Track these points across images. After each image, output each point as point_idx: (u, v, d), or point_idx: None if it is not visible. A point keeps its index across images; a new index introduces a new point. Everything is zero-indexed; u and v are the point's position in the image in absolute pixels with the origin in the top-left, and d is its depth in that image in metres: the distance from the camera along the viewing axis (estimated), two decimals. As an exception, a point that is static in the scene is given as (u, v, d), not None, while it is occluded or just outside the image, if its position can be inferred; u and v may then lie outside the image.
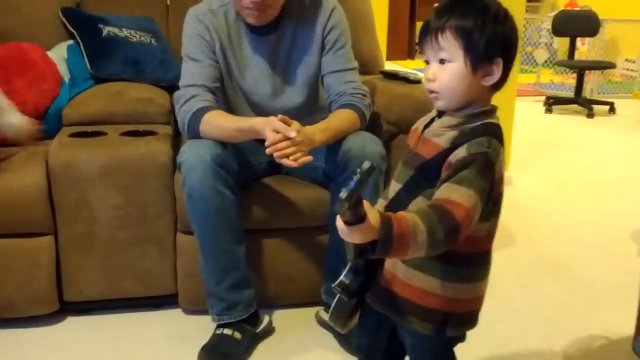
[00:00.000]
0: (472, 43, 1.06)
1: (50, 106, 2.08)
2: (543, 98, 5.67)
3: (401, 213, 1.01)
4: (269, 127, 1.58)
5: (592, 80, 6.16)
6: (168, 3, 2.57)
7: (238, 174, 1.74)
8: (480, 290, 1.17)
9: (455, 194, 1.01)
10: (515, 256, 2.42)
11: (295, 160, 1.55)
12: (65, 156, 1.82)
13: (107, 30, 2.28)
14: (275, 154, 1.56)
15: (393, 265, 1.15)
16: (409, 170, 1.14)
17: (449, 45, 1.07)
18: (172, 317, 1.94)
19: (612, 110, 5.37)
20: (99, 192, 1.83)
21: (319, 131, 1.66)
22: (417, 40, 1.44)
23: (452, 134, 1.09)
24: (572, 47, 5.93)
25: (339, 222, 0.94)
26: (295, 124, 1.59)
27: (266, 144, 1.57)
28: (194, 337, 1.78)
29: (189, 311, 1.95)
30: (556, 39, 7.27)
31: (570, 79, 6.44)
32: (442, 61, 1.09)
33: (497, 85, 1.11)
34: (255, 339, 1.79)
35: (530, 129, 4.66)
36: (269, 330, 1.85)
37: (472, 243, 1.09)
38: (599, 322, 1.93)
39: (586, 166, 3.78)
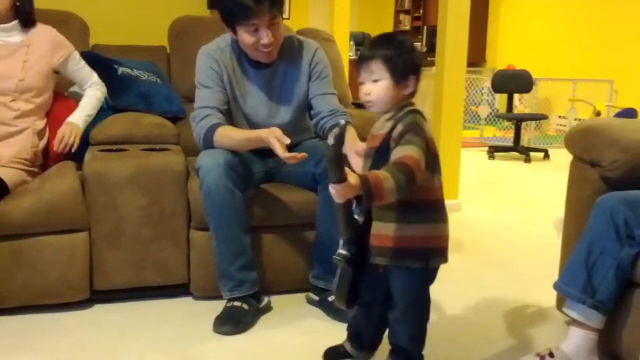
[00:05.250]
0: (394, 67, 1.60)
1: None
2: (487, 148, 6.29)
3: (371, 171, 1.49)
4: (272, 135, 2.01)
5: (528, 133, 6.85)
6: (168, 51, 3.03)
7: (243, 178, 2.15)
8: (442, 230, 1.62)
9: (403, 152, 1.51)
10: (465, 259, 2.88)
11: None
12: (98, 166, 2.21)
13: (121, 70, 2.71)
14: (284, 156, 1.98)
15: (377, 229, 1.61)
16: (370, 160, 1.63)
17: (378, 69, 1.61)
18: (186, 302, 2.31)
19: (546, 156, 6.02)
20: (126, 196, 2.21)
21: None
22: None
23: (390, 123, 1.60)
24: (510, 102, 6.63)
25: (331, 188, 1.40)
26: None
27: (280, 153, 1.98)
28: (208, 314, 2.14)
29: (200, 297, 2.32)
30: (497, 97, 8.03)
31: (510, 134, 7.10)
32: (374, 81, 1.62)
33: (412, 94, 1.65)
34: (258, 312, 2.18)
35: (476, 171, 5.24)
36: (269, 308, 2.24)
37: (428, 192, 1.57)
38: (532, 298, 2.40)
39: (524, 197, 4.35)
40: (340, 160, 1.37)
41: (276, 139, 2.00)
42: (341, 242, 1.62)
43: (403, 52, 1.60)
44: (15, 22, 2.31)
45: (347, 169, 1.40)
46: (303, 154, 1.98)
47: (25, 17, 2.30)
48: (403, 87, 1.61)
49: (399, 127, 1.55)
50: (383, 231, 1.59)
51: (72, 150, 2.34)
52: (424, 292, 1.67)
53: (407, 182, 1.44)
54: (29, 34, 2.34)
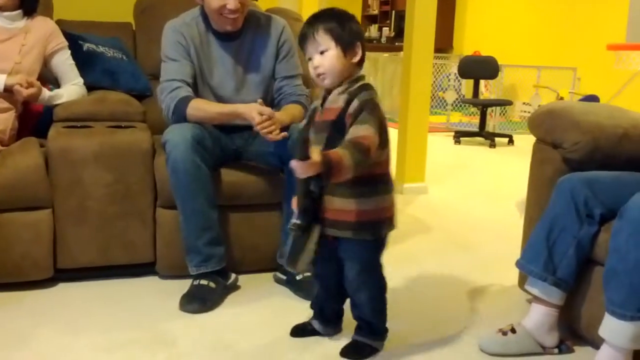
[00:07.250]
0: (339, 35, 1.61)
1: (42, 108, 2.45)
2: (453, 133, 6.36)
3: (332, 150, 1.51)
4: (255, 111, 2.02)
5: (493, 119, 6.95)
6: (134, 28, 2.98)
7: (211, 153, 2.14)
8: (391, 199, 1.68)
9: (360, 131, 1.54)
10: (430, 240, 2.91)
11: (277, 135, 2.02)
12: (63, 142, 2.17)
13: (86, 46, 2.66)
14: (262, 131, 2.02)
15: (329, 202, 1.64)
16: (323, 133, 1.64)
17: (324, 40, 1.62)
18: (152, 282, 2.30)
19: (510, 141, 6.12)
20: (91, 173, 2.18)
21: (283, 115, 2.16)
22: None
23: (344, 97, 1.62)
24: (476, 88, 6.71)
25: (294, 163, 1.44)
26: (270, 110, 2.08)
27: (255, 122, 2.01)
28: (174, 293, 2.13)
29: (166, 276, 2.31)
30: (464, 83, 8.11)
31: (476, 119, 7.19)
32: (321, 52, 1.62)
33: (361, 62, 1.67)
34: (226, 290, 2.17)
35: (442, 155, 5.30)
36: (236, 286, 2.24)
37: (379, 167, 1.62)
38: (495, 277, 2.45)
39: (488, 180, 4.43)
40: (306, 140, 1.49)
41: (260, 115, 2.01)
42: (296, 211, 1.67)
43: (345, 20, 1.63)
44: (19, 11, 2.39)
45: (311, 147, 1.47)
46: (284, 134, 2.02)
47: (29, 6, 2.42)
48: (352, 55, 1.63)
49: (355, 104, 1.57)
50: (340, 206, 1.63)
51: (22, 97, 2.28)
52: (377, 259, 1.73)
53: (363, 160, 1.50)
54: (30, 22, 2.43)
